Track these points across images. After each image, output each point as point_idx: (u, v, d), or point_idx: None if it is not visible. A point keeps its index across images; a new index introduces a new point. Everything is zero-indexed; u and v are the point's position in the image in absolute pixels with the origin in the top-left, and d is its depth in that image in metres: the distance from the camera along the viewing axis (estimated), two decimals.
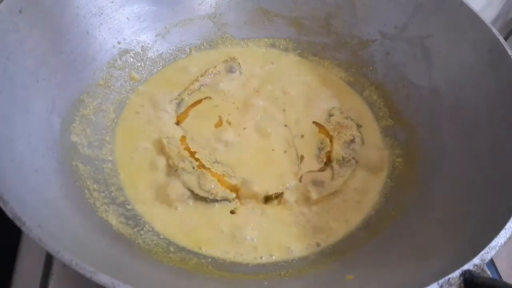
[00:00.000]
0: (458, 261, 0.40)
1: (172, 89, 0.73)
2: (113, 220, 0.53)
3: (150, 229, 0.56)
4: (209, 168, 0.61)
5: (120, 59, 0.70)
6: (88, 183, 0.55)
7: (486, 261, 0.40)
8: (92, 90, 0.65)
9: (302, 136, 0.69)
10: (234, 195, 0.60)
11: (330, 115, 0.72)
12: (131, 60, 0.72)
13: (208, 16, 0.79)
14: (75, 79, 0.62)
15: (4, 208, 0.38)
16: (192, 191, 0.59)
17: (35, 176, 0.47)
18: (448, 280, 0.38)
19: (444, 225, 0.51)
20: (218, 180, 0.60)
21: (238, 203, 0.60)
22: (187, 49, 0.79)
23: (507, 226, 0.42)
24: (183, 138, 0.66)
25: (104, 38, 0.68)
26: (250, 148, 0.66)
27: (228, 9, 0.80)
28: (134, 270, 0.45)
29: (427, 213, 0.55)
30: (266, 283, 0.51)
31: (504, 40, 0.58)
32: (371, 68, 0.76)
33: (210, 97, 0.72)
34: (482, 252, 0.40)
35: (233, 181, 0.62)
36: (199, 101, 0.71)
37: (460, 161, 0.57)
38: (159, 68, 0.75)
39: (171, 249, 0.54)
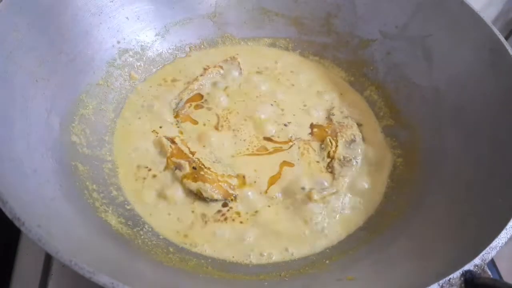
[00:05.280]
0: (458, 261, 0.40)
1: (172, 88, 0.72)
2: (113, 220, 0.53)
3: (150, 229, 0.56)
4: (209, 168, 0.61)
5: (120, 58, 0.70)
6: (88, 183, 0.55)
7: (487, 261, 0.40)
8: (91, 89, 0.65)
9: (302, 136, 0.69)
10: (233, 195, 0.60)
11: (331, 115, 0.72)
12: (131, 59, 0.72)
13: (208, 15, 0.79)
14: (74, 79, 0.62)
15: (3, 208, 0.37)
16: (191, 191, 0.59)
17: (34, 176, 0.47)
18: (449, 280, 0.38)
19: (444, 225, 0.51)
20: (217, 181, 0.60)
21: (238, 203, 0.60)
22: (187, 49, 0.79)
23: (507, 226, 0.42)
24: (183, 138, 0.66)
25: (104, 38, 0.68)
26: (250, 147, 0.66)
27: (228, 8, 0.80)
28: (133, 271, 0.45)
29: (427, 213, 0.55)
30: (266, 283, 0.50)
31: (505, 40, 0.58)
32: (371, 68, 0.76)
33: (209, 97, 0.72)
34: (483, 253, 0.40)
35: (233, 181, 0.61)
36: (200, 105, 0.71)
37: (461, 161, 0.57)
38: (158, 68, 0.75)
39: (171, 249, 0.54)
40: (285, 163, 0.65)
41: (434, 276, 0.39)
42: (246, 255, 0.55)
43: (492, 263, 0.68)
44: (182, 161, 0.61)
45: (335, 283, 0.49)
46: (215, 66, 0.76)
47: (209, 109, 0.71)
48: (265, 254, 0.55)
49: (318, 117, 0.72)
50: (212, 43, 0.80)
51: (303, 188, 0.61)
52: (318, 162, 0.66)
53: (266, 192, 0.61)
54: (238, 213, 0.59)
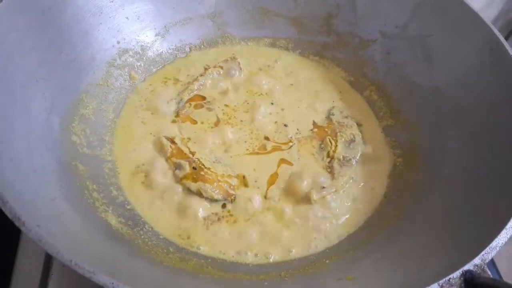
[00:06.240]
0: (458, 261, 0.40)
1: (172, 88, 0.72)
2: (113, 220, 0.53)
3: (150, 229, 0.56)
4: (209, 168, 0.61)
5: (120, 58, 0.70)
6: (88, 183, 0.55)
7: (487, 261, 0.40)
8: (91, 89, 0.65)
9: (302, 136, 0.69)
10: (233, 195, 0.60)
11: (331, 115, 0.72)
12: (131, 59, 0.72)
13: (208, 15, 0.79)
14: (74, 79, 0.62)
15: (3, 208, 0.38)
16: (191, 191, 0.59)
17: (35, 176, 0.47)
18: (449, 280, 0.38)
19: (444, 225, 0.51)
20: (217, 181, 0.60)
21: (238, 203, 0.60)
22: (187, 49, 0.79)
23: (507, 226, 0.42)
24: (183, 138, 0.66)
25: (104, 38, 0.68)
26: (250, 147, 0.66)
27: (228, 8, 0.80)
28: (133, 270, 0.45)
29: (427, 213, 0.55)
30: (266, 283, 0.50)
31: (504, 40, 0.58)
32: (371, 68, 0.76)
33: (209, 97, 0.72)
34: (483, 252, 0.40)
35: (233, 181, 0.61)
36: (200, 105, 0.71)
37: (461, 161, 0.57)
38: (158, 68, 0.75)
39: (171, 249, 0.54)
40: (283, 160, 0.65)
41: (434, 276, 0.39)
42: (246, 255, 0.55)
43: (492, 263, 0.68)
44: (182, 161, 0.61)
45: (335, 282, 0.49)
46: (215, 66, 0.76)
47: (209, 109, 0.71)
48: (265, 254, 0.55)
49: (318, 117, 0.72)
50: (212, 43, 0.80)
51: (302, 188, 0.61)
52: (317, 161, 0.66)
53: (266, 192, 0.61)
54: (238, 213, 0.59)
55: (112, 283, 0.35)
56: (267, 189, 0.62)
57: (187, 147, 0.64)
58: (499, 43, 0.58)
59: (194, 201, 0.59)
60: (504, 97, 0.55)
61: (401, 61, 0.72)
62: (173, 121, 0.68)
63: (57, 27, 0.60)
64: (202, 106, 0.71)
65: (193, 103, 0.71)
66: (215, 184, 0.59)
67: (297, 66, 0.80)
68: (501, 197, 0.48)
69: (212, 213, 0.58)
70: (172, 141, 0.64)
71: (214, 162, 0.63)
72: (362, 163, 0.66)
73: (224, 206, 0.59)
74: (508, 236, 0.42)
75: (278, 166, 0.64)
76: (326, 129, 0.70)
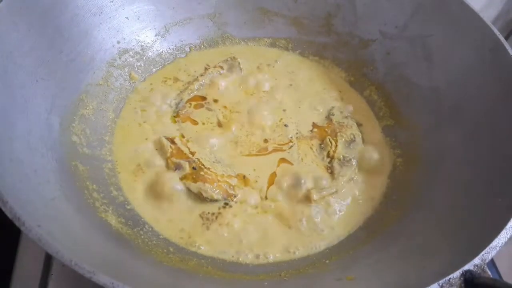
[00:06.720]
0: (458, 261, 0.40)
1: (172, 88, 0.72)
2: (113, 220, 0.53)
3: (150, 229, 0.56)
4: (209, 168, 0.61)
5: (120, 58, 0.70)
6: (88, 183, 0.55)
7: (487, 261, 0.40)
8: (91, 89, 0.65)
9: (303, 136, 0.69)
10: (234, 195, 0.60)
11: (331, 115, 0.72)
12: (131, 59, 0.72)
13: (208, 16, 0.79)
14: (74, 79, 0.62)
15: (3, 208, 0.38)
16: (191, 191, 0.59)
17: (35, 176, 0.47)
18: (449, 280, 0.38)
19: (444, 225, 0.51)
20: (217, 181, 0.60)
21: (238, 203, 0.60)
22: (187, 49, 0.79)
23: (507, 226, 0.42)
24: (183, 137, 0.66)
25: (104, 38, 0.68)
26: (250, 147, 0.66)
27: (228, 8, 0.80)
28: (133, 270, 0.45)
29: (427, 213, 0.55)
30: (266, 283, 0.51)
31: (504, 40, 0.58)
32: (371, 68, 0.76)
33: (209, 97, 0.72)
34: (483, 252, 0.40)
35: (233, 181, 0.61)
36: (201, 105, 0.71)
37: (460, 161, 0.57)
38: (158, 68, 0.75)
39: (171, 249, 0.54)
40: (283, 160, 0.65)
41: (434, 276, 0.39)
42: (246, 255, 0.55)
43: (492, 263, 0.68)
44: (182, 161, 0.61)
45: (335, 283, 0.49)
46: (215, 66, 0.76)
47: (209, 109, 0.71)
48: (265, 254, 0.55)
49: (318, 117, 0.72)
50: (212, 43, 0.80)
51: (302, 188, 0.61)
52: (317, 162, 0.66)
53: (266, 192, 0.61)
54: (238, 213, 0.59)
55: (112, 283, 0.35)
56: (267, 189, 0.62)
57: (187, 147, 0.64)
58: (499, 43, 0.57)
59: (194, 201, 0.59)
60: (504, 97, 0.55)
61: (401, 61, 0.72)
62: (173, 121, 0.68)
63: (57, 27, 0.60)
64: (202, 106, 0.71)
65: (193, 103, 0.71)
66: (215, 184, 0.59)
67: (297, 66, 0.80)
68: (501, 197, 0.47)
69: (212, 213, 0.58)
70: (172, 141, 0.64)
71: (214, 162, 0.63)
72: (362, 163, 0.66)
73: (224, 206, 0.59)
74: (508, 236, 0.42)
75: (278, 166, 0.65)
76: (326, 129, 0.70)
